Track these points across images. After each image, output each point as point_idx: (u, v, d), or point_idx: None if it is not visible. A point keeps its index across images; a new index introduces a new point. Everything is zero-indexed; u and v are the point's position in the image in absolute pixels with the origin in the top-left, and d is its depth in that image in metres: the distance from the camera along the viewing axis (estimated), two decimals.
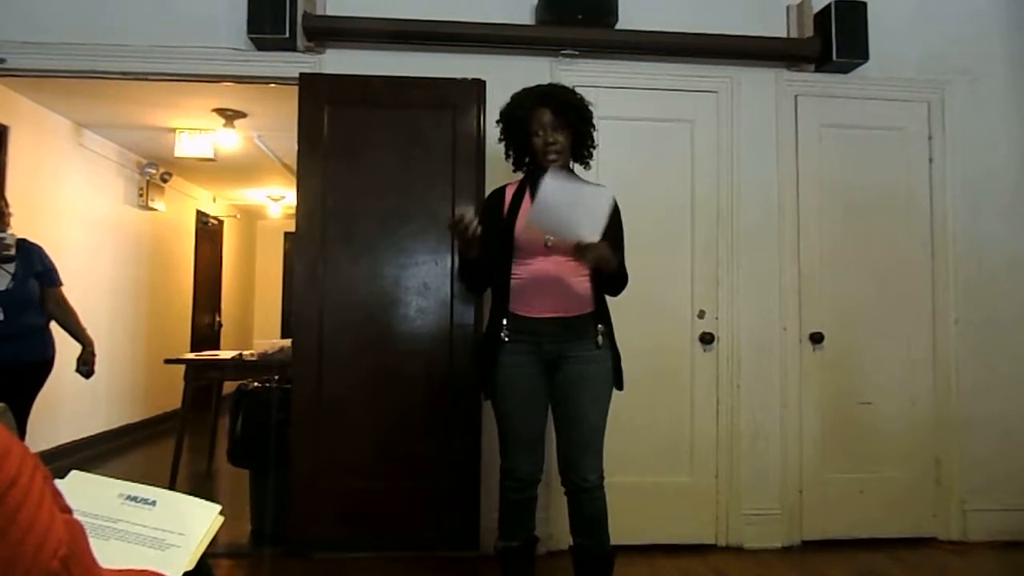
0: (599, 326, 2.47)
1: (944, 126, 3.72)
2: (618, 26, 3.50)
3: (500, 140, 2.65)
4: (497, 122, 2.64)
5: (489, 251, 2.46)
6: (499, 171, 3.32)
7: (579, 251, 2.32)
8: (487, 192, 3.35)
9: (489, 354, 2.52)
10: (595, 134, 2.62)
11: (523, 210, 2.49)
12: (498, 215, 2.53)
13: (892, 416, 3.62)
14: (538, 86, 2.60)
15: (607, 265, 2.39)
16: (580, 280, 2.46)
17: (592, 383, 2.46)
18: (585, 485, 2.42)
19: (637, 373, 3.36)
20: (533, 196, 2.47)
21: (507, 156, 2.65)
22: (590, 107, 2.59)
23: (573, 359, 2.45)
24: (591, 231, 2.27)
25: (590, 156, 2.65)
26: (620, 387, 2.53)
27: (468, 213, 2.36)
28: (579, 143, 2.58)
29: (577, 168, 2.66)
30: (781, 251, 3.61)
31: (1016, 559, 3.46)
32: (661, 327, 3.53)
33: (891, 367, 3.64)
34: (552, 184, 2.26)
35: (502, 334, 2.47)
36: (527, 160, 2.61)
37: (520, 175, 2.68)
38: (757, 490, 3.53)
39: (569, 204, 2.28)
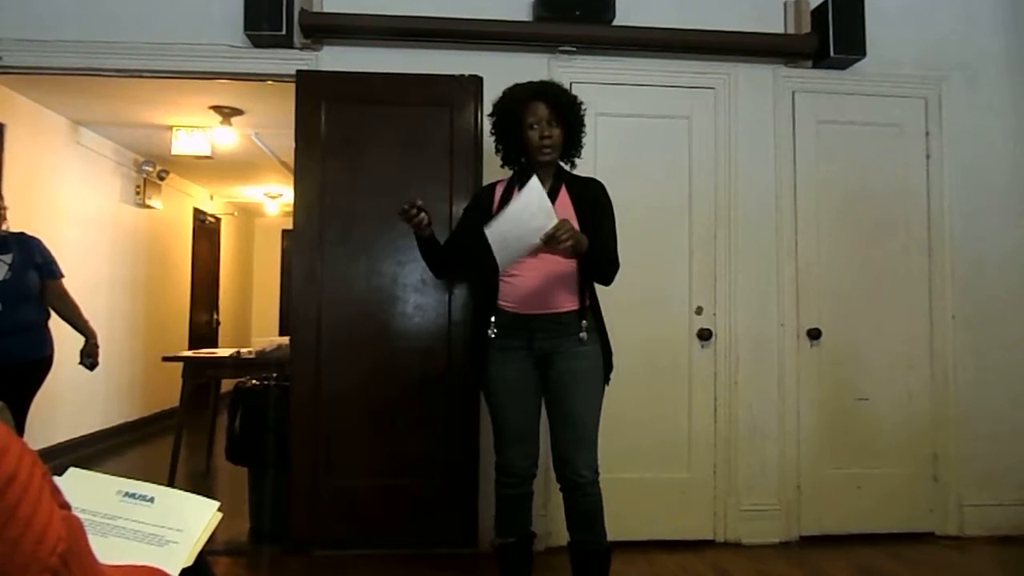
0: (583, 322, 2.46)
1: (941, 122, 3.73)
2: (615, 22, 3.50)
3: (492, 134, 2.65)
4: (490, 115, 2.64)
5: (474, 247, 2.45)
6: (496, 168, 3.32)
7: (549, 243, 2.29)
8: None
9: (478, 350, 2.54)
10: (584, 134, 2.62)
11: None
12: (486, 212, 2.53)
13: (889, 411, 3.63)
14: (531, 82, 2.59)
15: (582, 244, 2.35)
16: (568, 276, 2.45)
17: (583, 379, 2.46)
18: (580, 481, 2.43)
19: (635, 369, 3.39)
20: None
21: (497, 151, 2.64)
22: (582, 106, 2.59)
23: (563, 355, 2.45)
24: (545, 222, 2.27)
25: (578, 155, 2.64)
26: (606, 382, 2.54)
27: (418, 202, 2.43)
28: (568, 141, 2.57)
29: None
30: (778, 247, 3.61)
31: (1013, 554, 3.47)
32: (659, 323, 3.53)
33: (888, 363, 3.65)
34: (493, 234, 2.31)
35: (489, 331, 2.49)
36: (516, 155, 2.60)
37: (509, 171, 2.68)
38: (755, 486, 3.53)
39: (513, 232, 2.31)
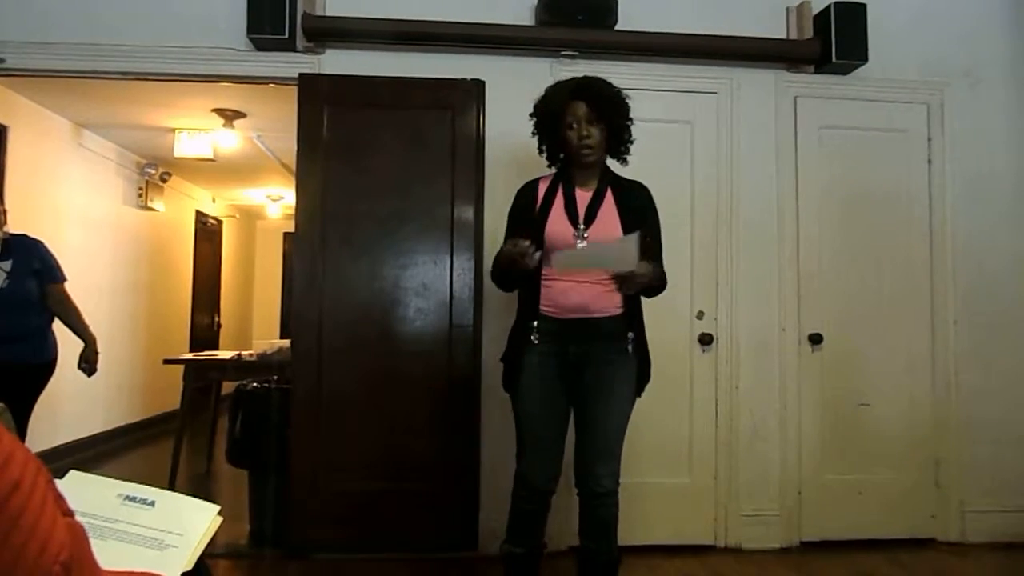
0: (629, 333, 2.43)
1: (943, 127, 3.72)
2: (618, 27, 3.50)
3: (533, 134, 2.56)
4: (531, 115, 2.56)
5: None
6: (499, 172, 3.34)
7: (618, 281, 2.34)
8: (486, 192, 3.36)
9: (515, 355, 2.45)
10: (630, 130, 2.53)
11: (555, 208, 2.45)
12: (530, 212, 2.47)
13: (891, 417, 3.62)
14: (574, 78, 2.54)
15: (646, 285, 2.38)
16: (609, 282, 2.39)
17: (617, 387, 2.41)
18: (600, 491, 2.38)
19: None
20: (567, 194, 2.45)
21: (540, 151, 2.57)
22: (627, 100, 2.50)
23: (599, 362, 2.40)
24: (622, 266, 2.29)
25: (627, 151, 2.56)
26: (639, 393, 2.48)
27: (524, 245, 2.31)
28: (614, 138, 2.50)
29: (613, 164, 2.58)
30: (780, 252, 3.61)
31: (1016, 560, 3.46)
32: (660, 328, 3.47)
33: (890, 368, 3.64)
34: (568, 256, 2.31)
35: (532, 336, 2.41)
36: (561, 155, 2.53)
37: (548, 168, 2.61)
38: (756, 491, 3.53)
39: (596, 257, 2.34)
